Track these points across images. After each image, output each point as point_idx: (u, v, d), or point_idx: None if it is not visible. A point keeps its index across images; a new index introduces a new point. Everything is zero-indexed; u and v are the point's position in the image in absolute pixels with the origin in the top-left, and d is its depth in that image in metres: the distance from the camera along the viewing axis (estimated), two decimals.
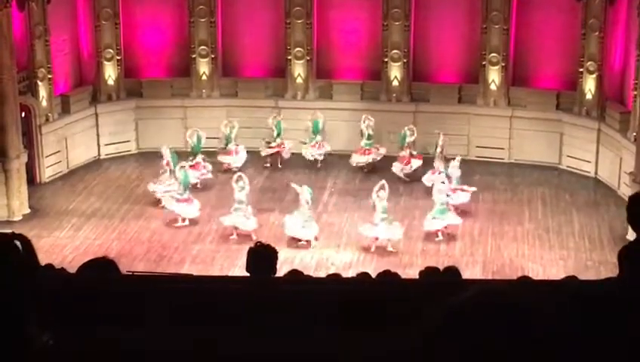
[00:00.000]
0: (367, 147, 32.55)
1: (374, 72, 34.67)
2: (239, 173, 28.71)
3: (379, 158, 32.54)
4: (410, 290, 7.11)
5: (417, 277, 10.56)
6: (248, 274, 9.09)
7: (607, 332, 4.42)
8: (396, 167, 31.56)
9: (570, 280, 9.78)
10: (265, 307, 5.91)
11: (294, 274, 10.57)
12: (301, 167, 33.07)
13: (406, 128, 32.22)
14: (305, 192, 27.10)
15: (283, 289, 7.12)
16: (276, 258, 9.25)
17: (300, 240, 26.82)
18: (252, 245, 9.74)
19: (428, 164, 31.02)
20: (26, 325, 4.25)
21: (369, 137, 32.59)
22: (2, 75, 29.10)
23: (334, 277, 11.65)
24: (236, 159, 32.73)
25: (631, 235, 25.94)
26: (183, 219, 28.47)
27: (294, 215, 26.98)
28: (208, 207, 29.33)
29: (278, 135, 33.17)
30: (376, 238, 26.71)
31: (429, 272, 10.70)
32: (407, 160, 31.72)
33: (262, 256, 9.19)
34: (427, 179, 30.09)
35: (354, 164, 32.58)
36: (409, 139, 32.05)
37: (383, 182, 27.35)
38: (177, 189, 28.83)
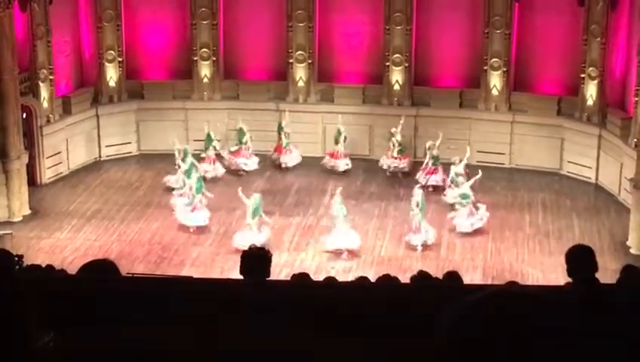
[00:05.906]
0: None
1: (376, 75, 34.67)
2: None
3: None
4: (408, 295, 7.12)
5: (409, 282, 10.55)
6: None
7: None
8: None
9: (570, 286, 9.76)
10: (261, 308, 5.91)
11: (302, 277, 10.57)
12: (303, 170, 33.19)
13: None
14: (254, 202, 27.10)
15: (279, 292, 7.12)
16: (269, 261, 9.17)
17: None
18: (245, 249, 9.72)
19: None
20: (27, 326, 4.25)
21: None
22: (4, 75, 29.11)
23: (331, 281, 11.64)
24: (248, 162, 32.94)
25: (631, 242, 25.92)
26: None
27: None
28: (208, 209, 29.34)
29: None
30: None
31: (421, 277, 10.70)
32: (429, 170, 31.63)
33: (255, 259, 9.14)
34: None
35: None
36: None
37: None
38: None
